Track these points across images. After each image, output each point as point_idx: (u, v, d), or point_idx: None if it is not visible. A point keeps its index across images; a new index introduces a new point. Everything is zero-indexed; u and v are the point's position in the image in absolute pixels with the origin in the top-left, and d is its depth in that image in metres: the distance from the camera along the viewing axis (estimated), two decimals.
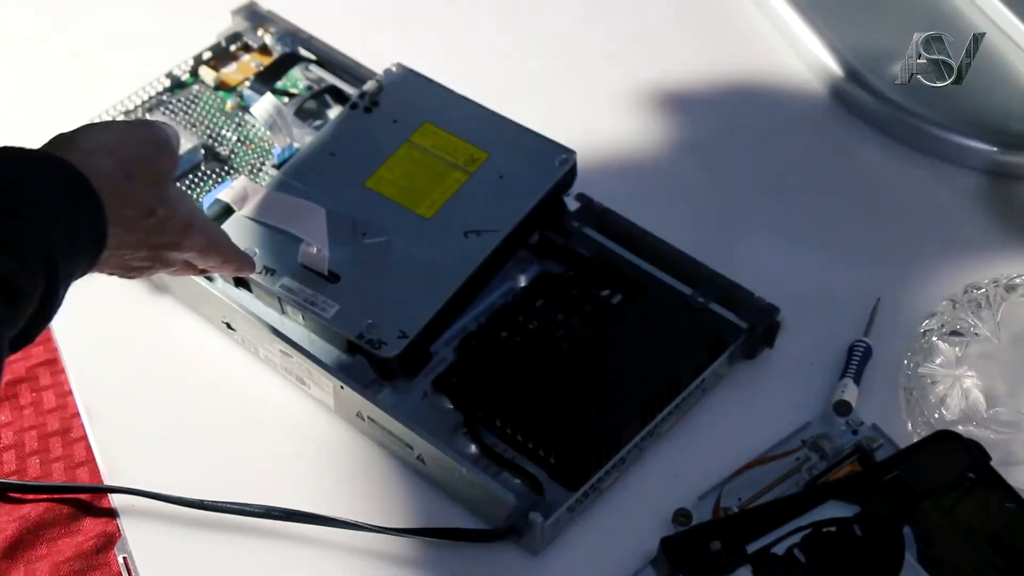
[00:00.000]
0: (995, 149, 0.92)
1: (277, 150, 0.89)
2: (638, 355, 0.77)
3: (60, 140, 0.65)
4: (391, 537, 0.74)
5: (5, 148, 0.61)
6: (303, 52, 0.95)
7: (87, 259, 0.63)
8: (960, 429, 0.74)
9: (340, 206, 0.82)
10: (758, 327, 0.80)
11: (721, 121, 0.97)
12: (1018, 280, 0.80)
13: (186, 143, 0.90)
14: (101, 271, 0.68)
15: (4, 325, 0.57)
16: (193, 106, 0.93)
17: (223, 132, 0.91)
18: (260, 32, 0.97)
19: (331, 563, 0.74)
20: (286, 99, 0.92)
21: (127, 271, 0.70)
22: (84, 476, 0.80)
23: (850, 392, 0.78)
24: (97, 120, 0.90)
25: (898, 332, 0.82)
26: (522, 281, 0.84)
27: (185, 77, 0.95)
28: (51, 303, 0.60)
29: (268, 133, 0.89)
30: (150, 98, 0.93)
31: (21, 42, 1.04)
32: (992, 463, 0.71)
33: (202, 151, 0.90)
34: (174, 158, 0.69)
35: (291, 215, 0.81)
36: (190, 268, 0.74)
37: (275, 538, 0.75)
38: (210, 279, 0.81)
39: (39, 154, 0.62)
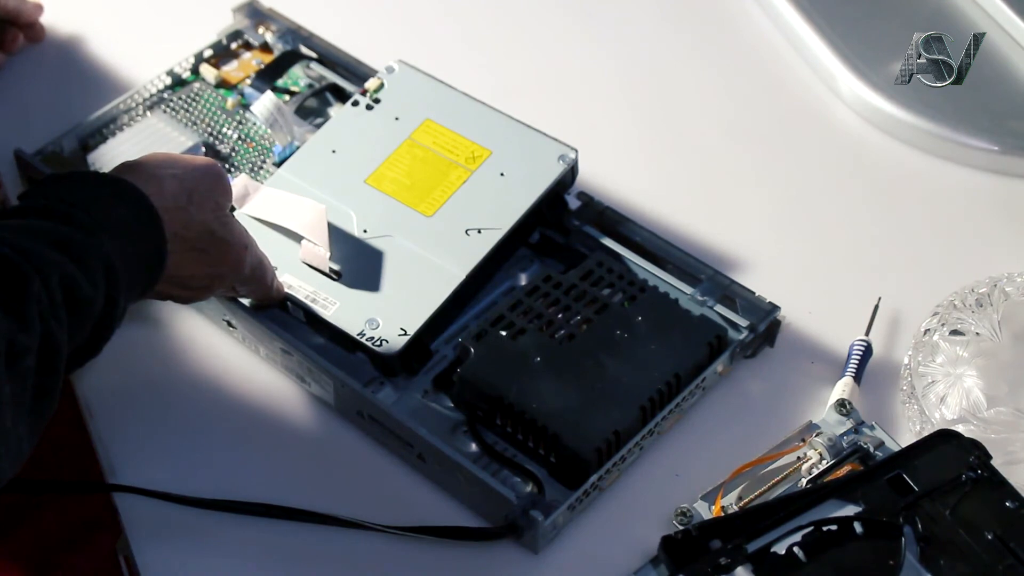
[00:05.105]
0: (995, 149, 0.92)
1: (278, 148, 0.89)
2: (638, 354, 0.77)
3: (125, 166, 0.70)
4: (391, 535, 0.74)
5: (74, 171, 0.67)
6: (304, 50, 0.95)
7: (148, 273, 0.66)
8: (961, 428, 0.74)
9: (341, 203, 0.82)
10: (759, 326, 0.80)
11: (722, 120, 0.97)
12: (1018, 280, 0.80)
13: (187, 141, 0.90)
14: (162, 293, 0.71)
15: (68, 331, 0.60)
16: (194, 104, 0.93)
17: (224, 130, 0.91)
18: (261, 30, 0.97)
19: (331, 561, 0.74)
20: (287, 97, 0.92)
21: (186, 291, 0.73)
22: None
23: (851, 391, 0.78)
24: (100, 114, 0.90)
25: (899, 331, 0.82)
26: (523, 279, 0.84)
27: (186, 75, 0.95)
28: (112, 313, 0.63)
29: (269, 131, 0.89)
30: (151, 96, 0.93)
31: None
32: (992, 462, 0.71)
33: (203, 149, 0.90)
34: (230, 192, 0.74)
35: (292, 213, 0.81)
36: (233, 291, 0.77)
37: (275, 536, 0.74)
38: None
39: (105, 176, 0.67)
